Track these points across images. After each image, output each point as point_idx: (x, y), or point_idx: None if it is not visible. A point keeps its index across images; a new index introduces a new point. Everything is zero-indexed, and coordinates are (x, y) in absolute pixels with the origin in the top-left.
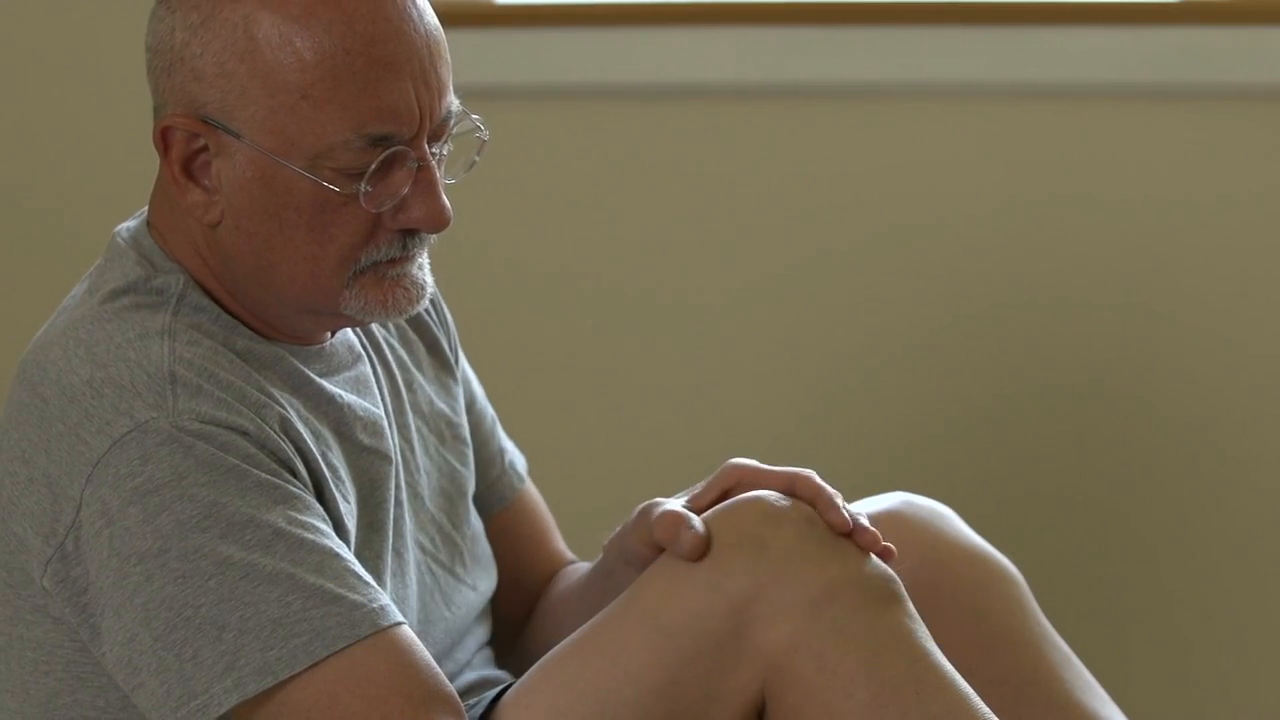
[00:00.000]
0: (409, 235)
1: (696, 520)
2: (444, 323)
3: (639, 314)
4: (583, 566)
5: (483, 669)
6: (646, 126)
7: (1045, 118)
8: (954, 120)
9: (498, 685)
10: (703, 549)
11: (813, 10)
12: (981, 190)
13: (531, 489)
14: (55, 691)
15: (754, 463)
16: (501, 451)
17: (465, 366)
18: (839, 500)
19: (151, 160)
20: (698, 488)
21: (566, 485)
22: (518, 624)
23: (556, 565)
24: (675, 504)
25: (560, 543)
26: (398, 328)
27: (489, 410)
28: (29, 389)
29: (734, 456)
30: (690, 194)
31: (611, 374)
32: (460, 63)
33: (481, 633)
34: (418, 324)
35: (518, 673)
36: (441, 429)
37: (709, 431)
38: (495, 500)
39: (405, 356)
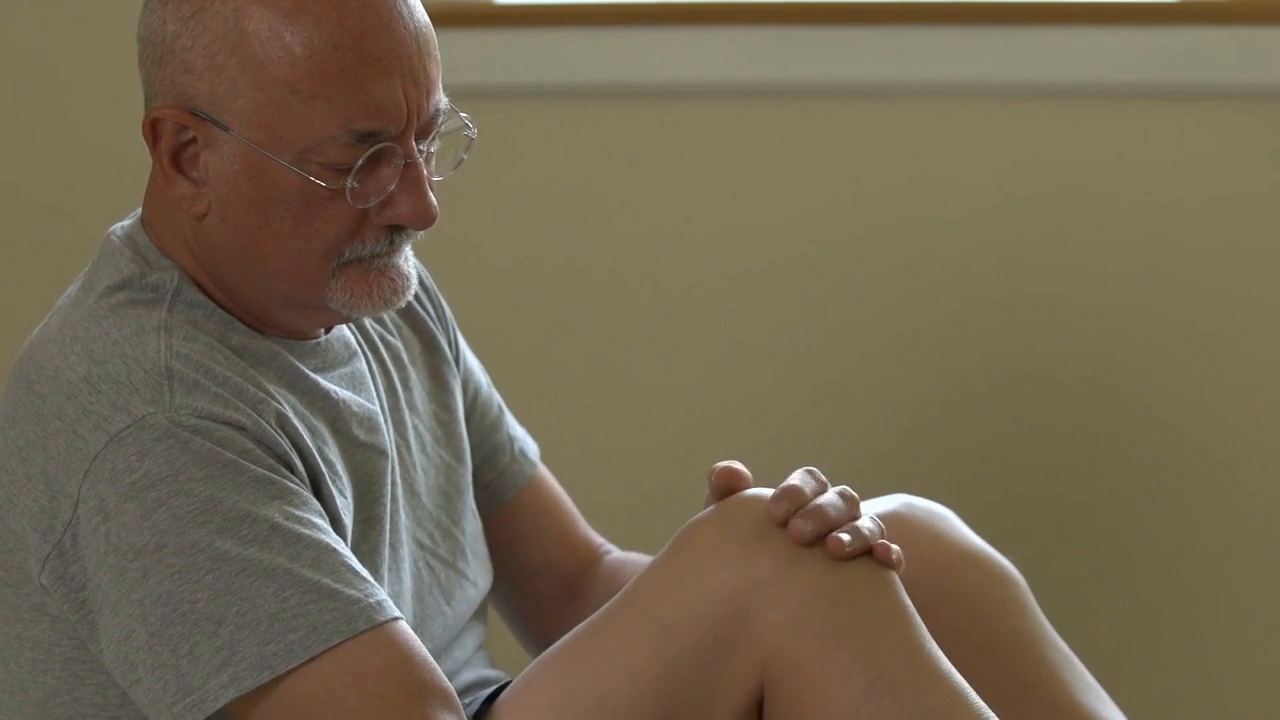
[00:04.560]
0: (395, 231)
1: (743, 469)
2: (441, 318)
3: (639, 313)
4: (632, 558)
5: (480, 668)
6: (646, 126)
7: (1045, 118)
8: (954, 120)
9: (494, 685)
10: (729, 483)
11: (814, 10)
12: (982, 190)
13: (546, 475)
14: (53, 690)
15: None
16: (510, 439)
17: (468, 358)
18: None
19: (149, 160)
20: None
21: (568, 479)
22: (549, 609)
23: (586, 549)
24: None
25: (587, 529)
26: (393, 324)
27: (495, 400)
28: (26, 387)
29: (733, 451)
30: (690, 194)
31: (612, 372)
32: (459, 63)
33: (479, 632)
34: (413, 321)
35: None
36: (436, 427)
37: (709, 426)
38: (507, 487)
39: (401, 354)
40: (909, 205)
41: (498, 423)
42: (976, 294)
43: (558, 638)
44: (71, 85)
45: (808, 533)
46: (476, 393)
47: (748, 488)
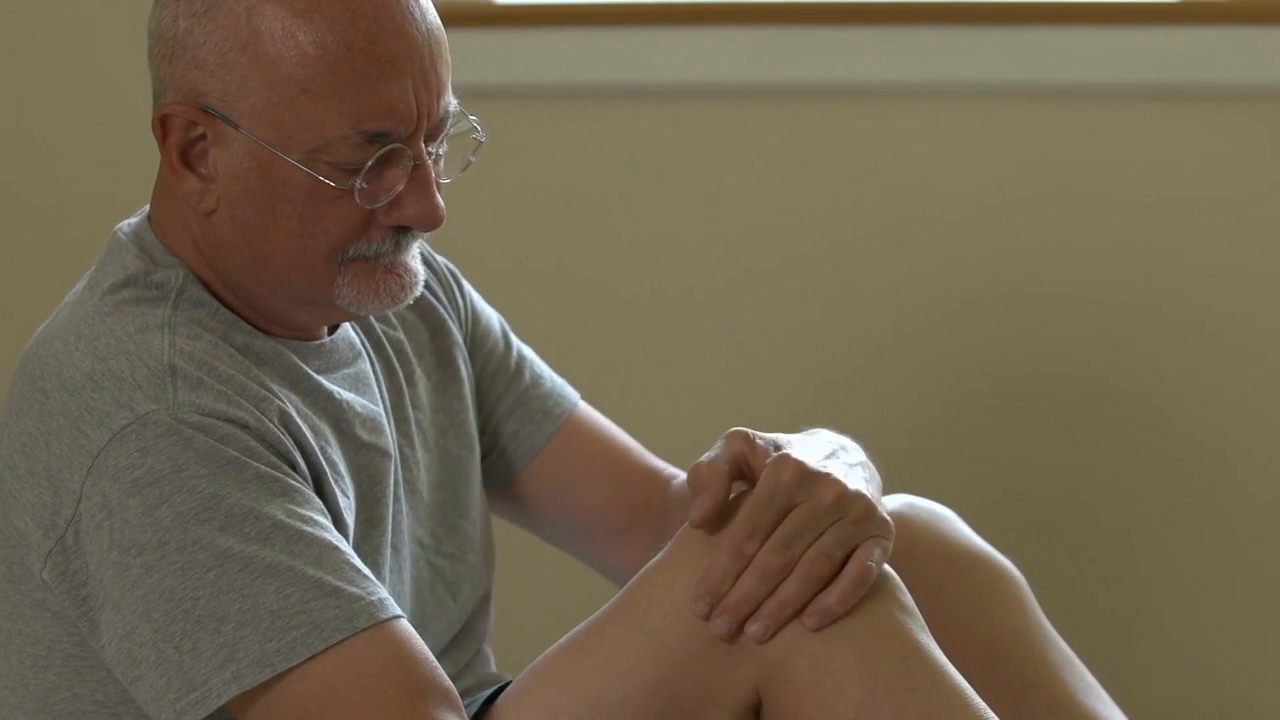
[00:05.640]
0: (401, 231)
1: (720, 487)
2: (448, 291)
3: (638, 313)
4: None
5: (481, 672)
6: (646, 126)
7: (1045, 118)
8: (954, 120)
9: (494, 686)
10: (709, 525)
11: (813, 10)
12: (982, 190)
13: (587, 418)
14: (54, 686)
15: (750, 510)
16: (531, 397)
17: (484, 318)
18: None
19: (152, 160)
20: (774, 438)
21: None
22: (621, 543)
23: (647, 478)
24: (727, 451)
25: (646, 458)
26: (397, 316)
27: (513, 357)
28: (30, 383)
29: None
30: (690, 193)
31: (611, 372)
32: (460, 63)
33: (482, 633)
34: (421, 308)
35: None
36: (443, 418)
37: (709, 426)
38: (526, 448)
39: (406, 347)
40: (909, 205)
41: (514, 381)
42: (976, 294)
43: (638, 568)
44: (72, 85)
45: (722, 634)
46: (493, 351)
47: (728, 499)
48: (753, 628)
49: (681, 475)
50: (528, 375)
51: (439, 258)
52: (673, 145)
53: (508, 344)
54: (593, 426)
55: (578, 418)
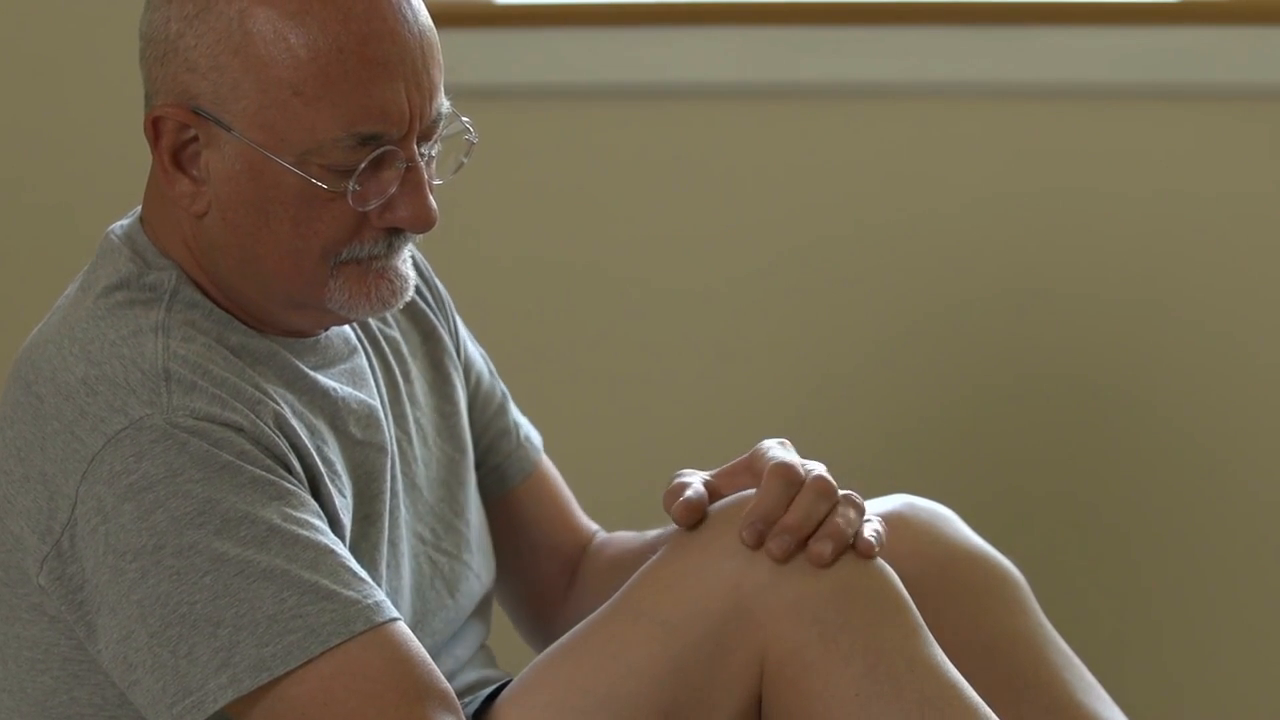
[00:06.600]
0: (393, 233)
1: (696, 488)
2: (442, 308)
3: (638, 313)
4: (618, 535)
5: (482, 668)
6: (646, 126)
7: (1045, 118)
8: (953, 120)
9: (494, 684)
10: (693, 516)
11: (814, 10)
12: (982, 190)
13: (548, 462)
14: (52, 690)
15: (783, 456)
16: (516, 425)
17: (470, 347)
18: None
19: (151, 159)
20: (731, 464)
21: (568, 477)
22: (553, 594)
23: (584, 534)
24: (694, 476)
25: (582, 514)
26: (392, 317)
27: (498, 387)
28: (24, 387)
29: (733, 451)
30: (689, 193)
31: (611, 371)
32: (460, 63)
33: (481, 630)
34: (412, 313)
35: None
36: (438, 418)
37: (709, 425)
38: (514, 473)
39: (401, 346)
40: (909, 206)
41: (501, 410)
42: (976, 295)
43: (559, 623)
44: (74, 83)
45: (779, 553)
46: (479, 381)
47: (705, 509)
48: (817, 546)
49: (604, 533)
50: (510, 405)
51: (437, 280)
52: (673, 145)
53: (492, 375)
54: (554, 473)
55: (545, 460)
